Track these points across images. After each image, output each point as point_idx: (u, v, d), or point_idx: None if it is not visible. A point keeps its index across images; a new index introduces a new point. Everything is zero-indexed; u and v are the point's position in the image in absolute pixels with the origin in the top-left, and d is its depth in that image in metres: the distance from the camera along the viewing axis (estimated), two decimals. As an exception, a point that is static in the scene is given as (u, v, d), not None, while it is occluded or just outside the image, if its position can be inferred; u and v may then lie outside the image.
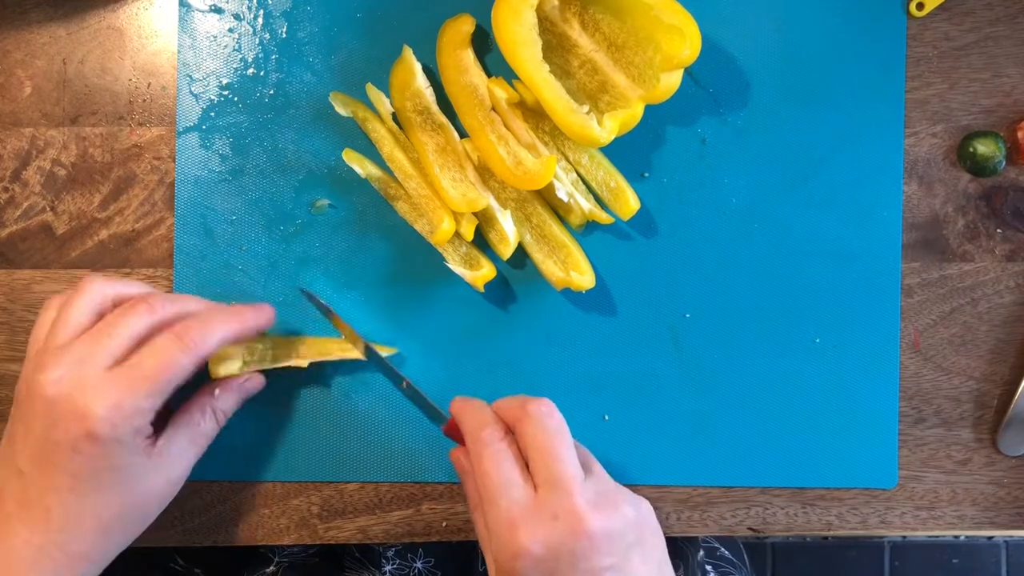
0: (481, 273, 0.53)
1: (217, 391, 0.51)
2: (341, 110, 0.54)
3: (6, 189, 0.55)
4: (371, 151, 0.55)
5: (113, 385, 0.45)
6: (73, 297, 0.47)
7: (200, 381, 0.50)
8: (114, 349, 0.46)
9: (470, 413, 0.48)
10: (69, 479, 0.45)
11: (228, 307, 0.50)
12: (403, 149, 0.54)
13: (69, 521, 0.46)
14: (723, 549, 0.70)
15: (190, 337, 0.46)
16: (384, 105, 0.54)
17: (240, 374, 0.52)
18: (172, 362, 0.46)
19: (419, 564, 0.66)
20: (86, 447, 0.45)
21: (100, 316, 0.47)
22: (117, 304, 0.48)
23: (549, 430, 0.45)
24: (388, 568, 0.65)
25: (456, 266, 0.53)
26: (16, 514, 0.45)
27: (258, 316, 0.50)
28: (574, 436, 0.54)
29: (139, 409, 0.45)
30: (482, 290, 0.54)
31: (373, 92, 0.54)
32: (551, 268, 0.54)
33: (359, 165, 0.54)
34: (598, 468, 0.48)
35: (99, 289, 0.48)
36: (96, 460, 0.45)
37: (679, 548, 0.68)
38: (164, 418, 0.50)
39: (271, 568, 0.64)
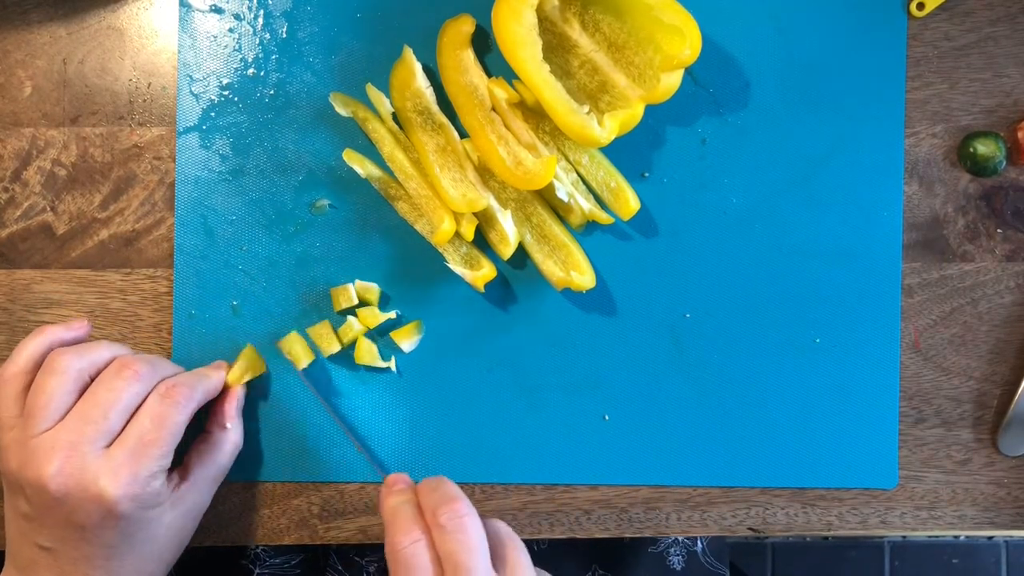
0: (481, 273, 0.53)
1: (228, 424, 0.52)
2: (341, 110, 0.54)
3: (6, 189, 0.55)
4: (371, 151, 0.55)
5: (121, 461, 0.45)
6: (48, 378, 0.47)
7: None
8: (110, 428, 0.46)
9: (391, 510, 0.47)
10: (103, 549, 0.46)
11: (196, 369, 0.52)
12: (403, 149, 0.54)
13: None
14: None
15: (179, 393, 0.48)
16: (384, 105, 0.54)
17: (232, 397, 0.53)
18: (170, 422, 0.47)
19: None
20: (114, 523, 0.46)
21: (79, 393, 0.47)
22: (91, 374, 0.48)
23: (461, 545, 0.44)
24: None
25: (456, 266, 0.53)
26: None
27: (221, 375, 0.52)
28: (574, 436, 0.54)
29: (152, 474, 0.46)
30: (482, 290, 0.54)
31: (373, 92, 0.54)
32: (551, 268, 0.54)
33: (359, 165, 0.54)
34: (515, 558, 0.46)
35: (72, 365, 0.47)
36: (127, 529, 0.46)
37: None
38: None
39: None
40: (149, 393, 0.48)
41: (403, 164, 0.54)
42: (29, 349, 0.49)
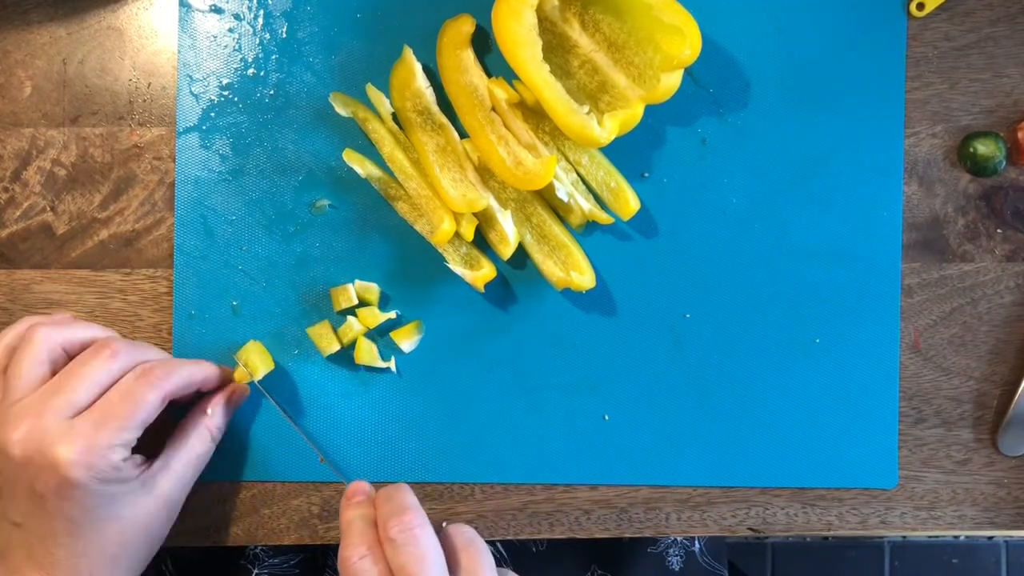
0: (481, 273, 0.53)
1: (209, 410, 0.52)
2: (341, 110, 0.54)
3: (6, 189, 0.55)
4: (371, 151, 0.55)
5: (80, 430, 0.45)
6: (23, 350, 0.47)
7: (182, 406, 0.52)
8: (76, 400, 0.46)
9: (346, 523, 0.47)
10: (65, 524, 0.46)
11: (187, 359, 0.52)
12: (403, 149, 0.54)
13: (77, 562, 0.46)
14: None
15: (154, 374, 0.47)
16: (384, 105, 0.54)
17: (226, 388, 0.53)
18: (139, 398, 0.47)
19: None
20: (70, 492, 0.45)
21: (53, 364, 0.48)
22: (68, 349, 0.49)
23: (412, 557, 0.44)
24: None
25: (456, 266, 0.53)
26: (26, 564, 0.46)
27: (220, 372, 0.52)
28: (574, 436, 0.54)
29: (111, 446, 0.46)
30: (482, 290, 0.54)
31: (373, 92, 0.54)
32: (551, 268, 0.54)
33: (359, 165, 0.54)
34: (472, 563, 0.46)
35: (47, 337, 0.48)
36: (86, 501, 0.46)
37: None
38: (160, 440, 0.51)
39: None
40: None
41: (403, 164, 0.54)
42: (11, 333, 0.49)
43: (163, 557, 0.65)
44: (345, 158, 0.54)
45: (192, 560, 0.66)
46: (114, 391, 0.47)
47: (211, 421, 0.51)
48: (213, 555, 0.65)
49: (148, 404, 0.47)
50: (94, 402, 0.47)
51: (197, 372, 0.51)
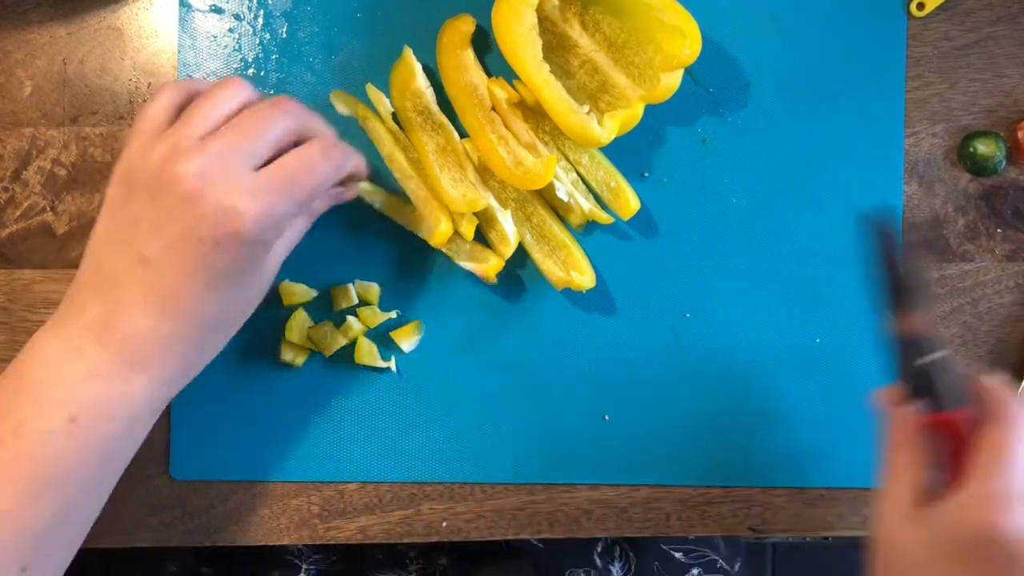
0: (491, 264, 0.53)
1: (349, 191, 0.51)
2: (341, 110, 0.54)
3: (6, 189, 0.55)
4: (371, 151, 0.55)
5: (265, 188, 0.43)
6: (216, 92, 0.45)
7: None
8: (259, 150, 0.44)
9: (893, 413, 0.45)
10: (208, 274, 0.44)
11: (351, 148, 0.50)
12: (403, 149, 0.54)
13: (199, 314, 0.45)
14: (722, 562, 0.69)
15: (335, 151, 0.46)
16: (384, 105, 0.54)
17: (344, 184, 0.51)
18: (321, 172, 0.45)
19: (443, 560, 0.66)
20: (232, 246, 0.43)
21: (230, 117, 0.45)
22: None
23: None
24: (413, 568, 0.65)
25: (463, 261, 0.53)
26: (140, 303, 0.44)
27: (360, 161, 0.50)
28: (574, 436, 0.54)
29: (287, 213, 0.44)
30: (495, 281, 0.53)
31: (373, 92, 0.54)
32: (551, 268, 0.54)
33: (359, 165, 0.54)
34: None
35: (242, 90, 0.46)
36: (239, 259, 0.44)
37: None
38: None
39: None
40: (303, 142, 0.46)
41: (402, 164, 0.54)
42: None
43: (183, 557, 0.65)
44: (345, 158, 0.54)
45: (226, 557, 0.66)
46: (296, 156, 0.45)
47: (315, 204, 0.50)
48: (237, 555, 0.65)
49: (326, 178, 0.46)
50: (271, 160, 0.45)
51: (355, 162, 0.49)
